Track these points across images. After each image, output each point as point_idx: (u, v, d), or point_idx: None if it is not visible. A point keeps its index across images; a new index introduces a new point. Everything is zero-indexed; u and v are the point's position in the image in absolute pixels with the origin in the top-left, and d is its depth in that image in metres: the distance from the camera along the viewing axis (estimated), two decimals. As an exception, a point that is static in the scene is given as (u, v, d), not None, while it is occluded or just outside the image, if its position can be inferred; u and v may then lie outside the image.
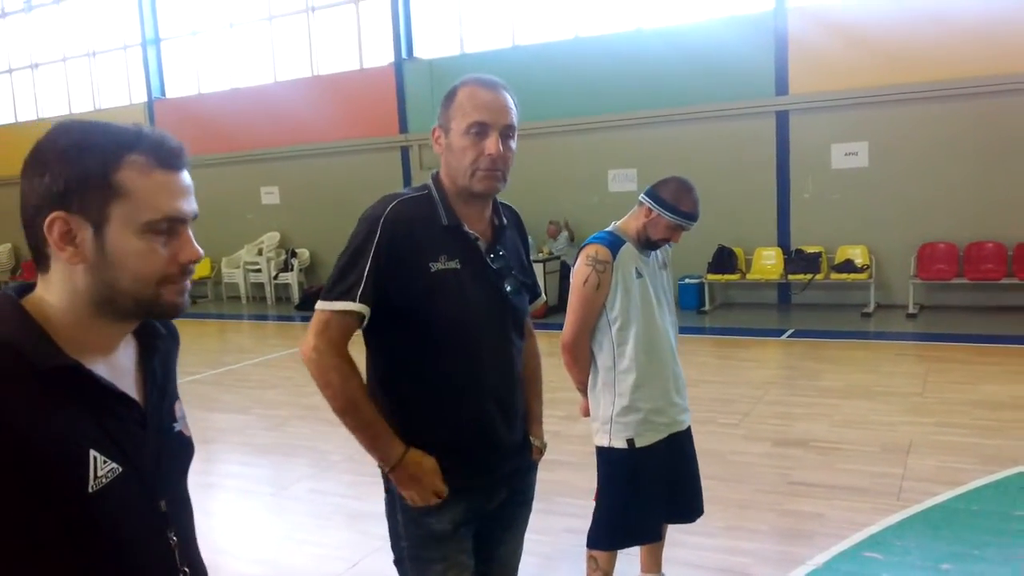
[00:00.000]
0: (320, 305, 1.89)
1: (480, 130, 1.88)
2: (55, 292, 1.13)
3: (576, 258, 3.00)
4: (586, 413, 3.09)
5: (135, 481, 1.15)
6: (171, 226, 1.14)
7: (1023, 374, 6.91)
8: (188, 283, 1.18)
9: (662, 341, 2.98)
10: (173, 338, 1.35)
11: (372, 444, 1.91)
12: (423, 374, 1.94)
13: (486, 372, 1.99)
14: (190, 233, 1.17)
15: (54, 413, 1.06)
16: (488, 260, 1.99)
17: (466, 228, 1.96)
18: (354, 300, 1.85)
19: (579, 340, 2.95)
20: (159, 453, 1.22)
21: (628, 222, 3.01)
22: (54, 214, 1.08)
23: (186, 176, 1.17)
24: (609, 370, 2.94)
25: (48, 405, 1.06)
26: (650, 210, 2.91)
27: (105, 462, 1.10)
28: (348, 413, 1.89)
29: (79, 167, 1.08)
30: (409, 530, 1.98)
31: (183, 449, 1.30)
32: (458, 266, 1.92)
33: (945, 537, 3.84)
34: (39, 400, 1.05)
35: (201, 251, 1.17)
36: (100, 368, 1.14)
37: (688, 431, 3.12)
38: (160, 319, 1.22)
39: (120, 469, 1.12)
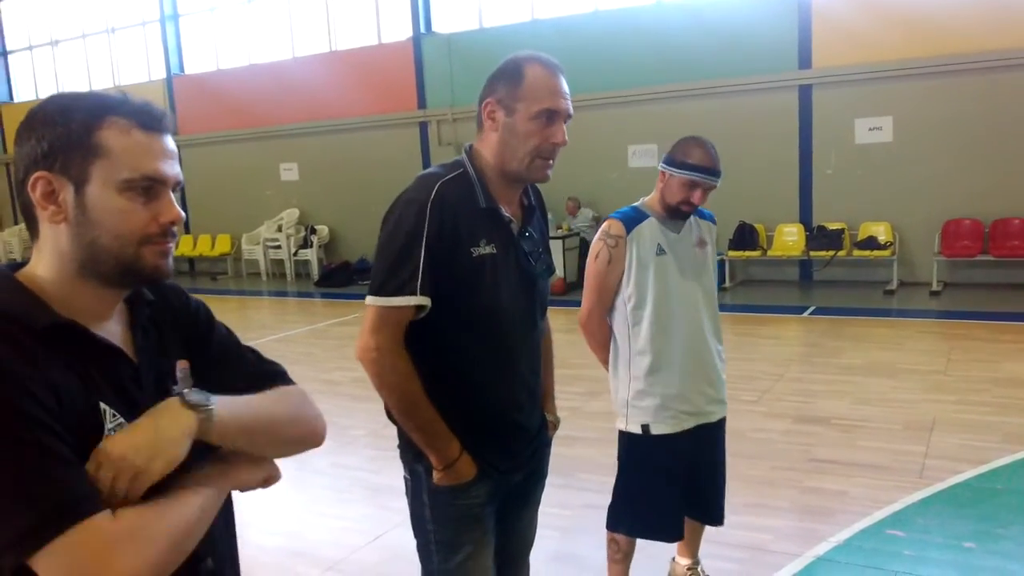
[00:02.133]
0: (374, 301, 1.82)
1: (550, 117, 1.84)
2: (45, 259, 1.16)
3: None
4: None
5: None
6: (151, 186, 1.15)
7: (1049, 352, 6.83)
8: (171, 247, 1.19)
9: (686, 323, 2.81)
10: (171, 300, 1.34)
11: (430, 443, 1.88)
12: (457, 362, 1.90)
13: (517, 357, 1.97)
14: (171, 196, 1.19)
15: (61, 368, 1.08)
16: (521, 243, 1.96)
17: (502, 211, 1.92)
18: (414, 293, 1.79)
19: (592, 317, 2.85)
20: None
21: (652, 196, 2.86)
22: (37, 173, 1.12)
23: (169, 141, 1.19)
24: (626, 351, 2.83)
25: (54, 361, 1.08)
26: (663, 173, 2.77)
27: (114, 415, 1.13)
28: (409, 413, 1.86)
29: (62, 128, 1.12)
30: (437, 514, 1.96)
31: None
32: (495, 250, 1.87)
33: (968, 515, 3.81)
34: (45, 358, 1.07)
35: (182, 213, 1.18)
36: (92, 330, 1.16)
37: (719, 424, 2.97)
38: (145, 284, 1.23)
39: (125, 423, 1.13)
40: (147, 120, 1.16)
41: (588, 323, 2.87)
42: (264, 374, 1.38)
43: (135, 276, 1.18)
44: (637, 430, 2.82)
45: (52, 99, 1.16)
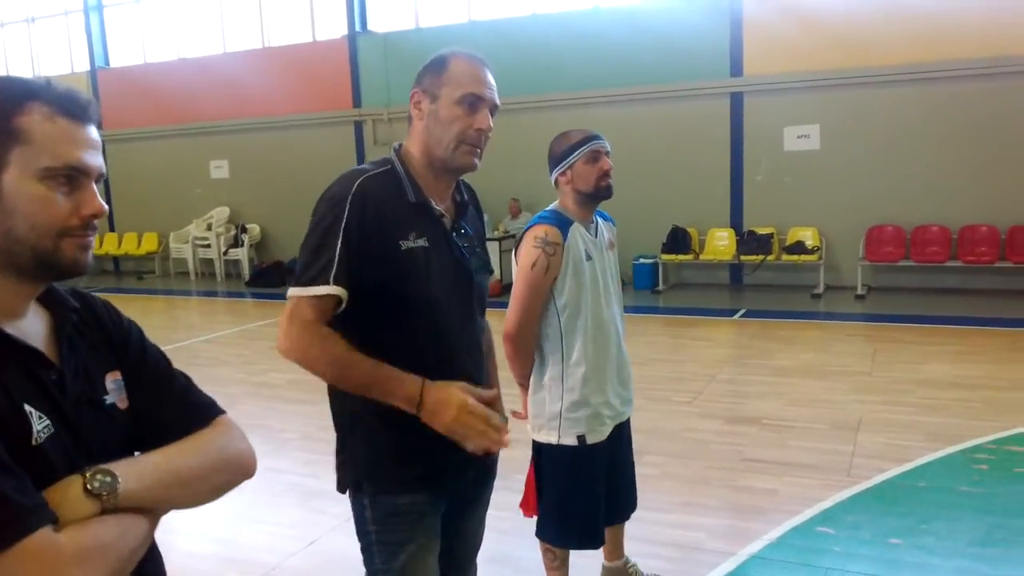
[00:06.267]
0: (291, 292, 1.80)
1: (473, 102, 1.86)
2: None
3: (519, 242, 2.77)
4: (527, 410, 2.90)
5: (68, 442, 1.12)
6: (73, 177, 1.11)
7: (966, 354, 7.10)
8: (91, 240, 1.15)
9: (609, 329, 2.80)
10: (100, 313, 1.30)
11: (388, 391, 1.77)
12: (395, 356, 1.84)
13: (456, 351, 1.95)
14: (95, 187, 1.14)
15: None
16: (454, 238, 1.95)
17: (433, 204, 1.91)
18: (327, 283, 1.75)
19: (524, 330, 2.70)
20: (85, 420, 1.17)
21: (563, 202, 2.80)
22: None
23: (93, 131, 1.15)
24: (558, 363, 2.73)
25: None
26: (564, 172, 2.75)
27: (41, 417, 1.08)
28: (347, 374, 1.77)
29: None
30: (377, 514, 1.92)
31: (119, 422, 1.24)
32: (426, 244, 1.86)
33: (894, 512, 3.92)
34: None
35: (105, 206, 1.14)
36: (7, 331, 1.11)
37: (628, 422, 2.99)
38: (63, 277, 1.18)
39: (52, 429, 1.09)
40: (72, 108, 1.11)
41: (519, 335, 2.71)
42: (193, 406, 1.32)
43: (53, 269, 1.13)
44: (572, 442, 2.75)
45: None
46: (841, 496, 4.12)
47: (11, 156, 1.07)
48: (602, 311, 2.78)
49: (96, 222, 1.14)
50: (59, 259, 1.11)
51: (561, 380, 2.75)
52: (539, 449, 2.89)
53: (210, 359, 7.77)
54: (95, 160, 1.14)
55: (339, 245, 1.76)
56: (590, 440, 2.77)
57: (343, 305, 1.80)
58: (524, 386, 2.88)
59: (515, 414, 2.98)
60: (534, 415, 2.84)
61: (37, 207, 1.08)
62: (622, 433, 2.96)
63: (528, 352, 2.78)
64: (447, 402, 1.75)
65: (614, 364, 2.84)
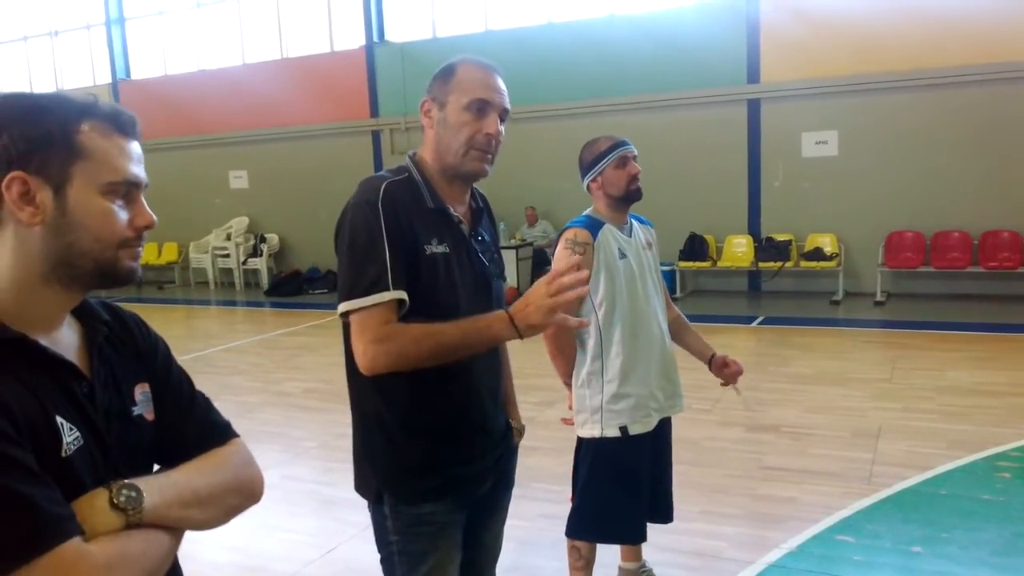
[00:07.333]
0: (347, 306, 1.76)
1: (481, 107, 1.84)
2: (1, 261, 1.12)
3: (555, 246, 2.92)
4: (572, 406, 2.99)
5: (96, 453, 1.13)
6: (129, 190, 1.16)
7: (987, 361, 7.03)
8: (141, 250, 1.21)
9: (651, 323, 2.88)
10: (130, 327, 1.32)
11: (483, 337, 1.77)
12: None
13: (475, 358, 1.92)
14: (143, 200, 1.20)
15: (11, 383, 1.05)
16: (472, 244, 1.95)
17: (451, 211, 1.90)
18: (387, 288, 1.74)
19: (561, 328, 2.82)
20: (114, 432, 1.18)
21: (596, 207, 2.94)
22: (13, 174, 1.08)
23: (138, 146, 1.20)
24: (596, 357, 2.84)
25: (4, 376, 1.05)
26: (596, 179, 2.87)
27: (71, 429, 1.10)
28: (440, 348, 1.75)
29: (41, 128, 1.09)
30: (399, 525, 1.91)
31: (146, 434, 1.26)
32: (447, 250, 1.85)
33: (915, 520, 3.88)
34: None
35: (155, 217, 1.19)
36: (43, 343, 1.13)
37: (670, 421, 3.03)
38: (118, 285, 1.21)
39: (82, 441, 1.11)
40: (122, 124, 1.16)
41: (557, 333, 2.83)
42: (213, 425, 1.35)
43: (110, 278, 1.17)
44: (615, 433, 2.82)
45: (16, 97, 1.12)
46: (861, 504, 4.08)
47: (73, 171, 1.10)
48: (640, 305, 2.86)
49: (146, 233, 1.19)
50: (117, 269, 1.16)
51: (601, 373, 2.84)
52: (582, 444, 2.95)
53: (229, 368, 7.74)
54: (144, 173, 1.19)
55: (387, 249, 1.75)
56: (633, 431, 2.83)
57: (405, 308, 1.78)
58: (569, 384, 2.97)
59: (564, 421, 3.10)
60: (577, 410, 2.92)
61: (102, 220, 1.13)
62: (666, 429, 3.00)
63: (569, 348, 2.90)
64: (525, 299, 1.72)
65: (657, 357, 2.90)
